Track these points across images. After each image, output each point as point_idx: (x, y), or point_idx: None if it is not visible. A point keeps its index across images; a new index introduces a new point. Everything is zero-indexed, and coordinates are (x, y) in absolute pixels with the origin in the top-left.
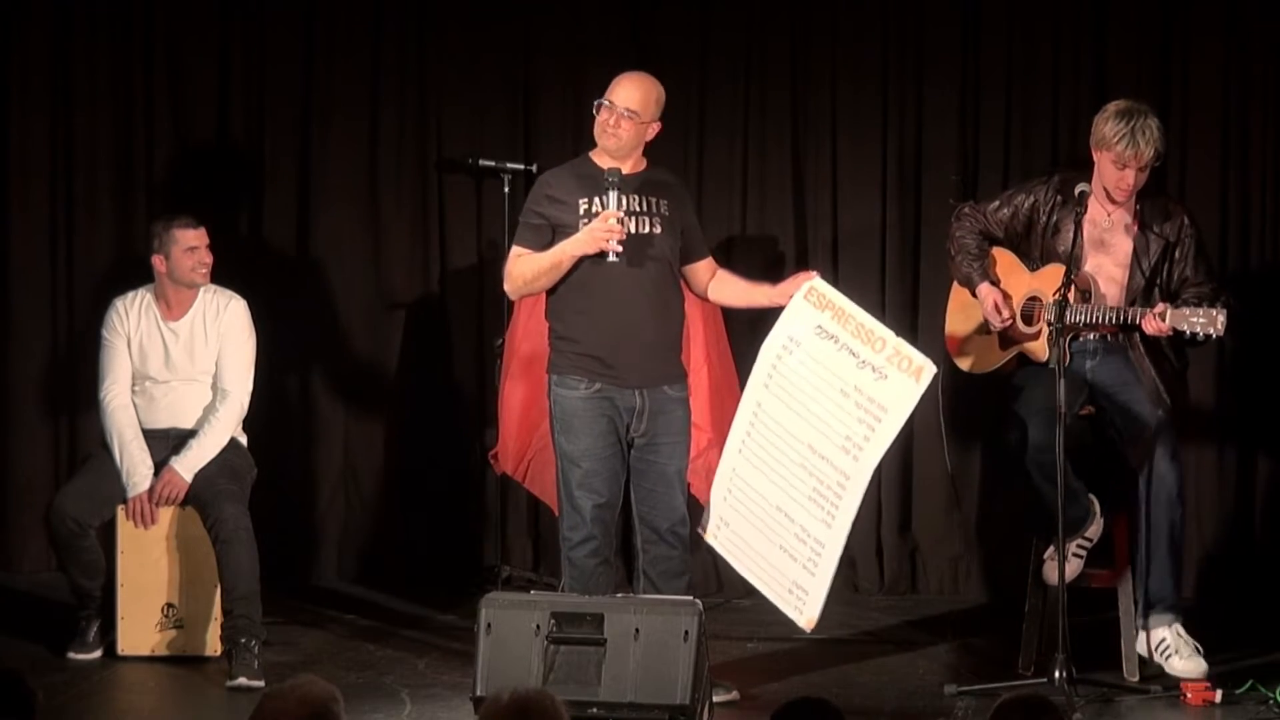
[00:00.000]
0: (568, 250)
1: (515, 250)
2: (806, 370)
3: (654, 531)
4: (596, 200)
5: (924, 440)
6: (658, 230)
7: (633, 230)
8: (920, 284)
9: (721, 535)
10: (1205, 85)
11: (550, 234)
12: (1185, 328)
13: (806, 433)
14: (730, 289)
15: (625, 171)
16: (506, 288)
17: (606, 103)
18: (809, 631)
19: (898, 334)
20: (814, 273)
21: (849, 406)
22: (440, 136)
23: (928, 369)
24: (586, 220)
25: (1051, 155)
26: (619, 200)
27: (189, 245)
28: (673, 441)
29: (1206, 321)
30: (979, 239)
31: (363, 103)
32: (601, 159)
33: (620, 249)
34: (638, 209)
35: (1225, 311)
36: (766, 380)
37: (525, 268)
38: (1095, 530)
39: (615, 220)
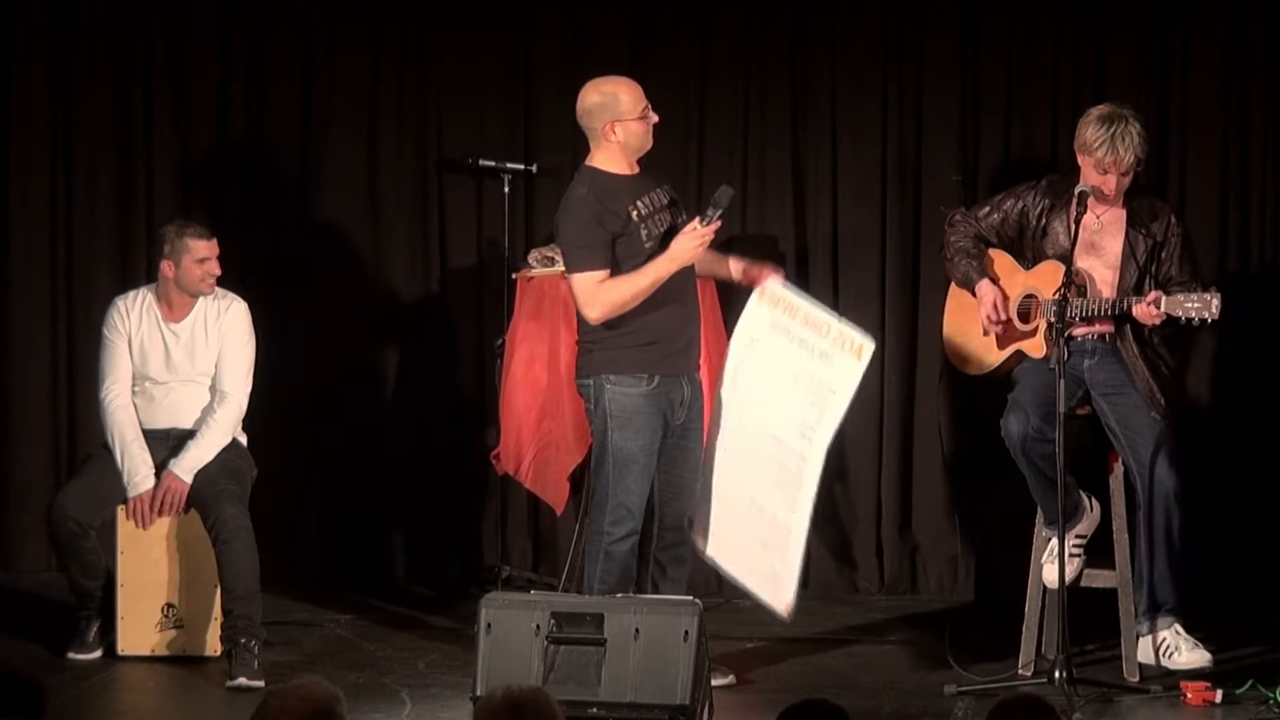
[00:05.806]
0: (669, 267)
1: (590, 275)
2: (764, 365)
3: (675, 518)
4: (639, 204)
5: (924, 440)
6: (682, 218)
7: (675, 223)
8: (920, 285)
9: (713, 544)
10: (1205, 85)
11: (612, 248)
12: (1180, 313)
13: (768, 423)
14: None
15: (638, 171)
16: (595, 315)
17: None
18: (788, 619)
19: (851, 320)
20: (779, 272)
21: (800, 391)
22: (440, 136)
23: (867, 346)
24: (642, 224)
25: (1051, 157)
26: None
27: (200, 256)
28: (700, 427)
29: (1201, 306)
30: (973, 241)
31: (363, 102)
32: (612, 165)
33: None
34: (666, 202)
35: (1219, 295)
36: (732, 382)
37: (622, 292)
38: (1087, 526)
39: (699, 226)
